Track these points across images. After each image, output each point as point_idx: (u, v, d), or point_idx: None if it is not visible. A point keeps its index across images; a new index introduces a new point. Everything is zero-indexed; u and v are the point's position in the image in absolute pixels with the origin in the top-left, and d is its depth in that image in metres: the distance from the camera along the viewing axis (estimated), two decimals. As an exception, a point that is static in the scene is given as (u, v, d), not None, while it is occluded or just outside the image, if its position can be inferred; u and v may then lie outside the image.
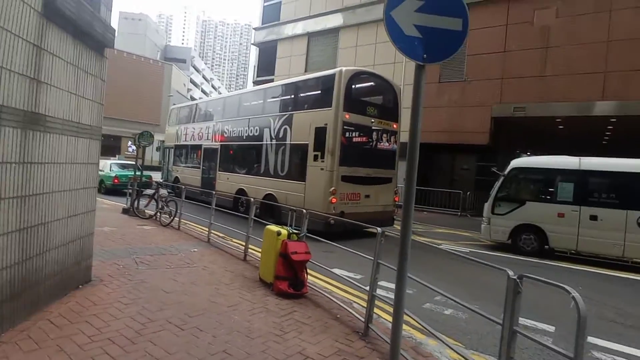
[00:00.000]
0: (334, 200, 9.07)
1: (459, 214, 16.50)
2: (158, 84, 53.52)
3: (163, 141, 19.45)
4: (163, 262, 5.92)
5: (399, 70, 18.42)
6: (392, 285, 5.17)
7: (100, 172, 17.62)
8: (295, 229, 5.11)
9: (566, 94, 14.38)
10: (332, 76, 9.48)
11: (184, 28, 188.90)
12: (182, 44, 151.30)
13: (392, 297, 5.20)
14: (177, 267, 5.74)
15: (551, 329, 4.60)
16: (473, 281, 6.53)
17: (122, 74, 48.99)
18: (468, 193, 16.69)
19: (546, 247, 8.83)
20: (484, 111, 16.60)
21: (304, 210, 5.16)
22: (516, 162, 9.50)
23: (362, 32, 21.25)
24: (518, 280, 2.33)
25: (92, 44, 4.40)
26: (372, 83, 11.04)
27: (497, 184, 9.56)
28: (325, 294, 4.69)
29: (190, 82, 74.24)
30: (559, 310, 5.13)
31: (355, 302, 4.93)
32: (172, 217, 9.31)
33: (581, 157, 8.75)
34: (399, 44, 2.73)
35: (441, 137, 18.02)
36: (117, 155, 45.24)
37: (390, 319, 3.31)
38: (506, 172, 9.49)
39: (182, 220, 9.43)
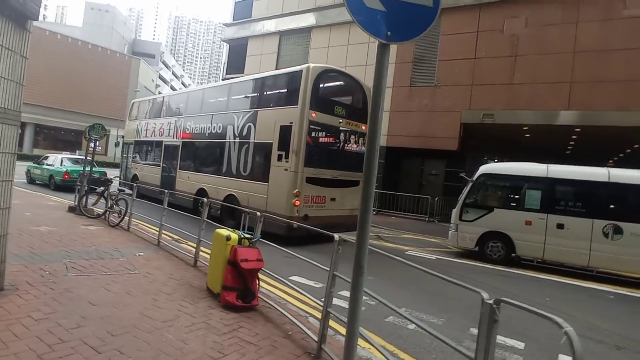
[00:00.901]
0: (297, 202, 8.59)
1: (427, 219, 16.41)
2: (124, 79, 51.41)
3: (123, 136, 18.32)
4: (99, 268, 5.23)
5: (371, 73, 18.13)
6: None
7: (49, 167, 16.60)
8: (247, 233, 4.58)
9: (533, 102, 14.61)
10: (299, 73, 9.01)
11: (155, 23, 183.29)
12: (153, 39, 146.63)
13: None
14: (115, 273, 5.07)
15: (520, 345, 4.30)
16: (440, 290, 6.21)
17: (86, 67, 46.80)
18: (437, 198, 16.64)
19: (513, 255, 8.69)
20: (454, 117, 16.64)
21: (258, 213, 4.64)
22: (485, 168, 9.37)
23: (334, 32, 21.00)
24: (495, 306, 1.91)
25: (9, 13, 3.72)
26: (341, 82, 10.63)
27: (465, 190, 9.38)
28: (278, 307, 4.18)
29: (159, 78, 71.82)
30: (527, 322, 4.86)
31: (311, 314, 4.46)
32: (121, 217, 8.55)
33: (549, 165, 8.69)
34: (358, 17, 2.30)
35: (411, 141, 17.95)
36: (77, 151, 42.92)
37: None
38: (474, 178, 9.34)
39: (133, 220, 8.72)
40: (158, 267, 5.61)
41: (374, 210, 17.70)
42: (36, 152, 37.11)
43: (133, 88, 50.45)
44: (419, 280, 6.71)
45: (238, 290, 4.11)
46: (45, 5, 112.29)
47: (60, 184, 15.53)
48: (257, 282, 4.32)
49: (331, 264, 3.30)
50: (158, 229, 7.35)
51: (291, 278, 5.95)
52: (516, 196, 8.94)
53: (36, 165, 17.80)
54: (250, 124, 10.00)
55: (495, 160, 18.89)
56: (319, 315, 4.10)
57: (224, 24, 27.36)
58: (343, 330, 3.90)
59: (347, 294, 4.95)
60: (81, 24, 71.30)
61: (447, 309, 5.27)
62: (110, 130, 42.37)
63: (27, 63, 4.05)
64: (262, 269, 4.30)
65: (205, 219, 5.92)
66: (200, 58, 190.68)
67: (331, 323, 3.64)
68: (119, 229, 8.33)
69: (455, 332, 4.52)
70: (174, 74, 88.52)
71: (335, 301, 5.08)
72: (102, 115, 41.91)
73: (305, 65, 9.09)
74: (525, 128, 16.00)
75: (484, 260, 8.84)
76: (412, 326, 4.46)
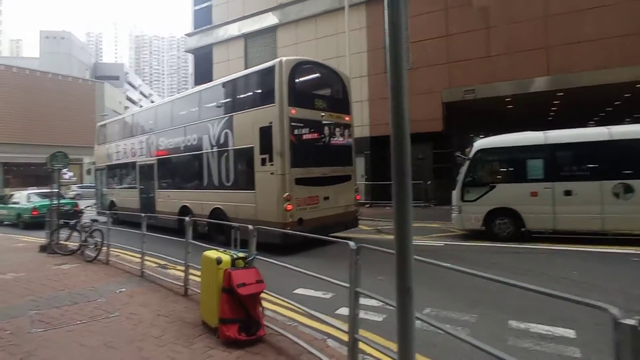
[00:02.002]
0: (289, 207, 7.94)
1: (423, 204, 15.97)
2: (90, 104, 49.49)
3: (94, 163, 17.28)
4: (72, 316, 4.46)
5: (343, 64, 17.64)
6: (373, 302, 4.14)
7: (16, 206, 15.42)
8: (241, 252, 3.90)
9: (512, 73, 14.34)
10: (272, 68, 8.37)
11: (115, 45, 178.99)
12: (116, 61, 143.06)
13: (377, 318, 4.20)
14: (91, 320, 4.32)
15: (571, 333, 3.76)
16: (459, 281, 5.65)
17: (49, 97, 45.07)
18: (428, 182, 16.21)
19: (523, 229, 8.23)
20: (434, 97, 16.26)
21: (250, 227, 3.96)
22: (480, 144, 8.88)
23: (300, 28, 20.42)
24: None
25: None
26: (317, 73, 10.03)
27: (463, 169, 8.89)
28: (289, 335, 3.51)
29: (127, 99, 69.68)
30: (565, 304, 4.34)
31: (329, 333, 3.81)
32: (98, 250, 7.74)
33: (545, 132, 8.26)
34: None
35: (394, 128, 17.51)
36: (51, 185, 40.83)
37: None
38: (471, 155, 8.86)
39: (113, 251, 7.98)
40: (143, 304, 4.87)
41: (367, 204, 17.22)
42: (8, 191, 35.45)
43: (100, 112, 48.56)
44: (433, 273, 6.14)
45: (239, 322, 3.43)
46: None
47: (30, 222, 14.45)
48: (261, 308, 3.65)
49: (351, 279, 2.67)
50: (140, 258, 6.58)
51: (296, 292, 5.32)
52: (517, 168, 8.50)
53: (2, 205, 16.58)
54: (227, 130, 9.31)
55: (481, 136, 18.61)
56: (338, 334, 3.49)
57: (185, 34, 26.40)
58: (376, 354, 3.28)
59: (366, 302, 4.42)
60: (38, 55, 68.82)
61: (475, 301, 4.70)
62: (83, 159, 41.08)
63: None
64: (264, 290, 3.64)
65: (191, 241, 5.20)
66: (167, 74, 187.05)
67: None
68: (96, 264, 7.54)
69: (493, 328, 3.97)
70: (141, 93, 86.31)
71: (344, 310, 4.50)
72: (72, 144, 40.12)
73: (278, 60, 8.44)
74: (508, 99, 15.74)
75: (493, 238, 8.37)
76: (446, 327, 3.86)
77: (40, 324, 4.24)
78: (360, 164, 17.70)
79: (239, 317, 3.45)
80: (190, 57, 27.95)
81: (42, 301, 5.12)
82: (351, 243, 2.70)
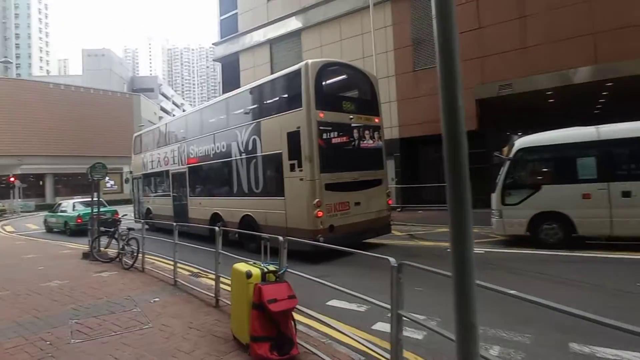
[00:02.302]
0: (320, 213, 7.72)
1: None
2: (128, 116, 51.87)
3: (131, 172, 17.90)
4: (109, 326, 4.47)
5: (369, 64, 17.35)
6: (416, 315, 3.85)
7: (63, 214, 16.23)
8: (271, 264, 3.74)
9: (553, 64, 13.45)
10: (298, 72, 8.22)
11: (150, 59, 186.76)
12: (150, 74, 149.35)
13: (417, 335, 3.88)
14: (125, 331, 4.30)
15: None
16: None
17: (92, 111, 48.01)
18: (463, 184, 15.58)
19: (574, 235, 7.60)
20: (467, 94, 15.53)
21: (280, 238, 3.80)
22: (522, 142, 8.31)
23: (324, 30, 20.30)
24: None
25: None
26: (344, 75, 9.80)
27: (503, 170, 8.36)
28: (324, 356, 3.29)
29: (161, 109, 72.32)
30: None
31: (367, 353, 3.57)
32: (134, 258, 7.88)
33: (598, 126, 7.60)
34: None
35: (425, 129, 16.95)
36: (94, 194, 43.04)
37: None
38: (511, 155, 8.31)
39: (148, 258, 8.17)
40: (175, 315, 4.81)
41: (398, 208, 16.76)
42: (59, 200, 37.74)
43: (137, 123, 50.71)
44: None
45: (271, 340, 3.26)
46: (47, 60, 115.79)
47: (75, 229, 15.15)
48: (293, 324, 3.47)
49: (393, 301, 2.42)
50: (173, 266, 6.60)
51: (329, 304, 5.11)
52: (566, 168, 7.85)
53: (52, 213, 17.68)
54: (255, 137, 9.27)
55: (519, 134, 17.69)
56: (376, 354, 3.23)
57: (212, 44, 26.95)
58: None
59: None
60: (81, 72, 72.89)
61: (528, 318, 4.27)
62: (123, 168, 42.87)
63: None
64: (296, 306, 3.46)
65: (221, 251, 5.11)
66: (197, 84, 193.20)
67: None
68: (133, 272, 7.67)
69: (552, 351, 3.57)
70: (174, 103, 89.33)
71: (381, 326, 4.23)
72: (112, 154, 42.30)
73: (303, 63, 8.28)
74: (549, 93, 14.82)
75: (540, 245, 7.78)
76: (496, 349, 3.53)
77: (79, 334, 4.26)
78: (389, 167, 17.29)
79: (271, 334, 3.28)
80: (218, 66, 28.50)
81: (81, 310, 5.20)
82: (391, 259, 2.45)
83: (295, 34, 21.54)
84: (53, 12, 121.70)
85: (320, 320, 3.96)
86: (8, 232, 19.24)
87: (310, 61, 8.24)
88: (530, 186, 7.99)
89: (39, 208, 34.16)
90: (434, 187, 16.33)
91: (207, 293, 5.48)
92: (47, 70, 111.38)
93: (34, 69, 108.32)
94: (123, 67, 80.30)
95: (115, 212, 15.25)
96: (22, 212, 31.65)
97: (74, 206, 16.32)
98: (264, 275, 3.52)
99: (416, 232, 11.11)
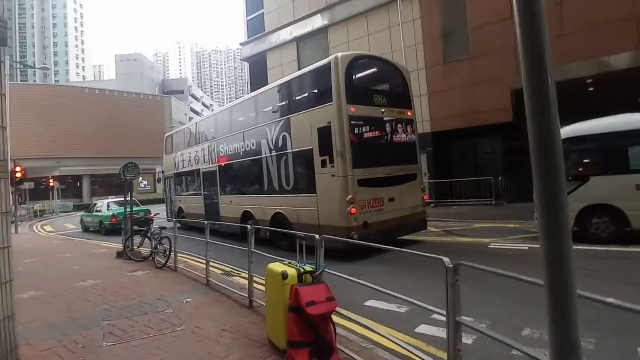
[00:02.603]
0: (353, 210, 7.48)
1: (493, 202, 14.70)
2: (159, 117, 53.41)
3: (163, 171, 18.26)
4: (141, 328, 4.40)
5: (398, 58, 16.89)
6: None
7: (99, 213, 16.76)
8: (307, 264, 3.53)
9: (591, 51, 12.62)
10: (327, 65, 8.02)
11: (179, 62, 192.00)
12: (180, 76, 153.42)
13: (466, 340, 3.56)
14: (158, 333, 4.21)
15: None
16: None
17: (125, 113, 49.92)
18: (499, 178, 14.87)
19: (628, 229, 7.00)
20: (501, 85, 14.92)
21: (316, 236, 3.58)
22: (568, 131, 7.71)
23: (351, 26, 19.97)
24: None
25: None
26: (374, 68, 9.52)
27: (547, 161, 7.81)
28: (366, 361, 3.07)
29: (191, 110, 73.86)
30: None
31: (414, 359, 3.29)
32: (167, 257, 7.90)
33: (653, 112, 6.96)
34: None
35: (456, 122, 16.37)
36: (129, 193, 44.74)
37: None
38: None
39: (181, 257, 8.19)
40: (208, 316, 4.70)
41: (431, 203, 16.24)
42: (95, 200, 39.47)
43: (168, 124, 52.11)
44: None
45: (310, 345, 3.05)
46: (83, 67, 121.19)
47: (110, 228, 15.56)
48: (333, 328, 3.24)
49: (449, 305, 2.15)
50: (205, 265, 6.53)
51: (367, 304, 4.87)
52: (617, 158, 7.22)
53: (87, 213, 18.26)
54: (285, 133, 9.12)
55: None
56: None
57: (240, 44, 27.13)
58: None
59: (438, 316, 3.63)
60: (115, 76, 75.63)
61: (587, 320, 3.87)
62: (156, 168, 44.12)
63: (7, 101, 3.29)
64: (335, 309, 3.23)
65: (253, 250, 4.96)
66: (226, 85, 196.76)
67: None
68: (165, 271, 7.69)
69: (622, 357, 3.19)
70: (203, 104, 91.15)
71: (425, 329, 3.94)
72: (145, 155, 43.62)
73: (333, 56, 8.05)
74: (589, 81, 13.91)
75: (589, 240, 7.20)
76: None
77: (111, 337, 4.21)
78: (422, 162, 16.79)
79: (309, 339, 3.07)
80: (245, 66, 28.69)
81: (114, 310, 5.18)
82: (446, 260, 2.17)
83: (322, 30, 21.33)
84: (88, 21, 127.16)
85: (359, 323, 3.72)
86: (47, 231, 20.08)
87: (340, 54, 8.02)
88: (578, 178, 7.41)
89: (77, 208, 35.63)
90: (468, 181, 15.73)
91: (240, 293, 5.35)
92: (83, 76, 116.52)
93: (71, 75, 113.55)
94: (154, 70, 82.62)
95: (148, 211, 15.57)
96: (60, 212, 33.07)
97: (108, 206, 16.77)
98: (300, 275, 3.31)
99: (452, 228, 10.66)
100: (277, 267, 3.52)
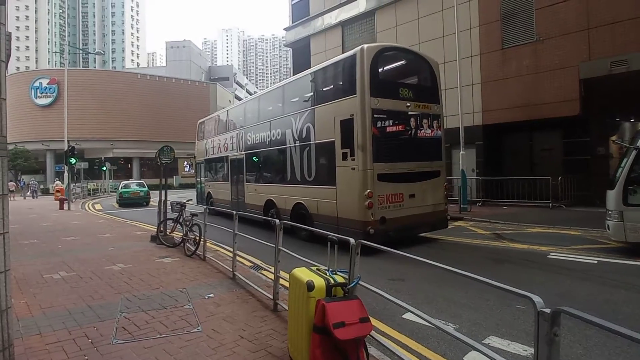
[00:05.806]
0: (371, 204, 7.22)
1: (551, 205, 13.31)
2: (205, 103, 54.91)
3: (194, 157, 18.40)
4: (156, 326, 4.03)
5: (450, 44, 15.67)
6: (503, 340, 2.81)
7: (116, 191, 22.50)
8: (339, 273, 2.94)
9: None
10: (353, 57, 7.70)
11: (227, 50, 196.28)
12: (227, 63, 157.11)
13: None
14: (172, 333, 3.82)
15: None
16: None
17: (173, 99, 51.75)
18: (559, 178, 13.41)
19: None
20: (569, 74, 13.38)
21: (352, 240, 2.95)
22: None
23: (400, 9, 18.82)
24: None
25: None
26: (402, 60, 9.05)
27: (627, 162, 6.69)
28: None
29: (235, 97, 75.20)
30: None
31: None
32: (196, 245, 7.66)
33: None
34: None
35: (513, 114, 14.97)
36: (174, 177, 46.73)
37: None
38: (639, 143, 6.62)
39: (211, 245, 7.97)
40: (228, 318, 4.26)
41: (478, 202, 15.06)
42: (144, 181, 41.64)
43: (213, 110, 53.27)
44: (595, 295, 4.43)
45: (336, 375, 2.48)
46: (138, 54, 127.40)
47: (120, 203, 22.38)
48: (365, 355, 2.64)
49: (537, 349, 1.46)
50: (232, 258, 6.15)
51: (405, 317, 4.21)
52: None
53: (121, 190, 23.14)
54: (309, 124, 8.91)
55: (632, 121, 14.83)
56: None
57: (284, 29, 26.70)
58: None
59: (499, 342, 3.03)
60: (165, 63, 78.36)
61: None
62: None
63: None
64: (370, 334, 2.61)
65: (281, 247, 4.44)
66: (270, 73, 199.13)
67: None
68: (194, 259, 7.45)
69: None
70: (247, 91, 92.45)
71: (475, 356, 3.22)
72: (191, 140, 44.91)
73: (359, 48, 7.65)
74: None
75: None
76: None
77: (123, 333, 3.87)
78: (470, 157, 15.59)
79: (336, 367, 2.49)
80: (289, 53, 28.30)
81: (134, 300, 4.90)
82: (537, 300, 1.47)
83: (369, 14, 20.36)
84: (143, 10, 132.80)
85: (397, 340, 3.08)
86: (97, 210, 21.01)
87: (365, 46, 7.66)
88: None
89: (127, 188, 37.95)
90: (522, 180, 14.35)
91: (266, 294, 4.87)
92: (137, 63, 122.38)
93: (126, 62, 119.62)
94: (202, 57, 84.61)
95: (148, 192, 16.65)
96: (111, 191, 34.78)
97: (120, 187, 23.06)
98: (329, 288, 2.72)
99: (503, 232, 9.64)
100: (302, 273, 2.95)
